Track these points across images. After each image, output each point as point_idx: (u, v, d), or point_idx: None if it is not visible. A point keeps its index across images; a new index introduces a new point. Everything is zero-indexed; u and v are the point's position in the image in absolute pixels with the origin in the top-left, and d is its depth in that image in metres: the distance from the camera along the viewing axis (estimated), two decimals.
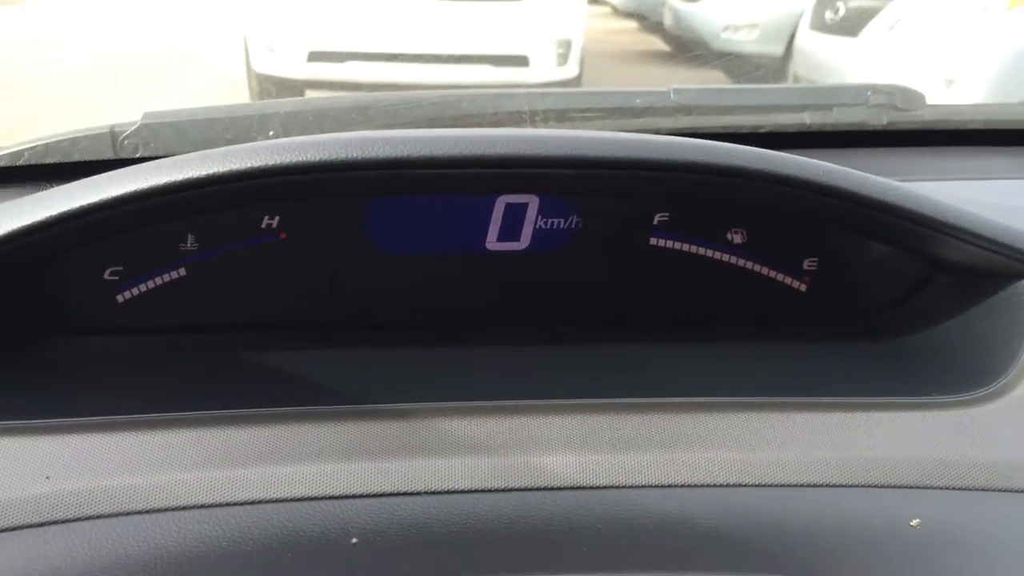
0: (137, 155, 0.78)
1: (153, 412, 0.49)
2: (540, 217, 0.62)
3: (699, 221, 0.63)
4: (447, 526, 0.44)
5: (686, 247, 0.63)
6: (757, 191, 0.53)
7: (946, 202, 0.54)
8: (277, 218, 0.59)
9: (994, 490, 0.47)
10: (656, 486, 0.47)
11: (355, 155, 0.48)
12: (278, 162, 0.47)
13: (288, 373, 0.56)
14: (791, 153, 0.93)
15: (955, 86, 4.41)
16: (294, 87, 5.05)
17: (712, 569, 0.42)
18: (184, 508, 0.43)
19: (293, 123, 0.76)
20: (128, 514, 0.43)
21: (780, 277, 0.64)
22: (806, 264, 0.64)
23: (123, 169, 0.50)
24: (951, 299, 0.58)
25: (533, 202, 0.62)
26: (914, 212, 0.52)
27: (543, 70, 5.22)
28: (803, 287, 0.64)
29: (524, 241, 0.62)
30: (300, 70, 4.77)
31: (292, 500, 0.44)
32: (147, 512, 0.43)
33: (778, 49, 6.01)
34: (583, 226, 0.63)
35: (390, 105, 0.82)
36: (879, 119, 0.89)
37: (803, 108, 0.92)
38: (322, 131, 0.81)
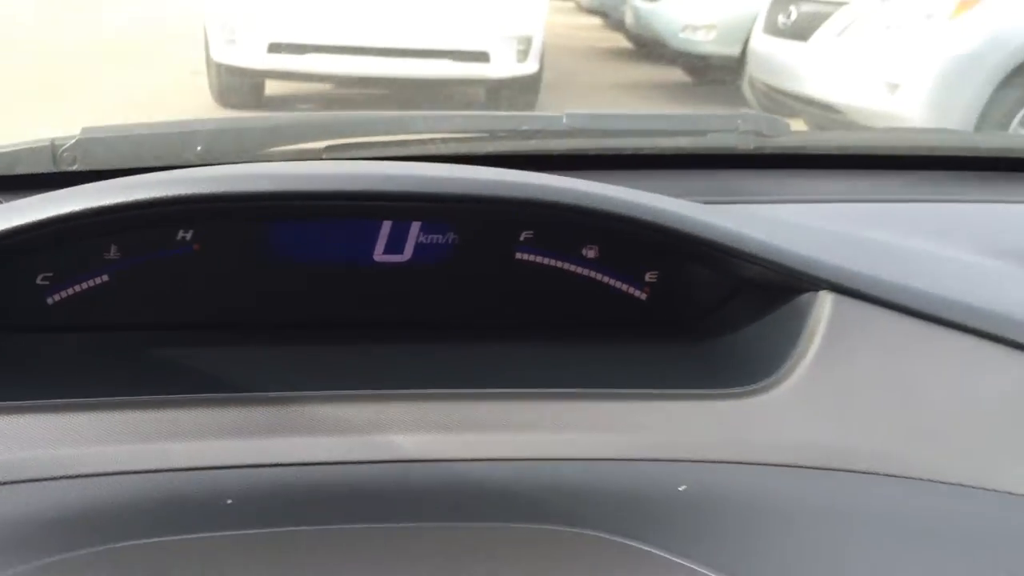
0: (75, 167, 0.87)
1: (73, 398, 0.58)
2: (422, 233, 0.73)
3: (558, 238, 0.74)
4: (306, 489, 0.55)
5: (547, 261, 0.74)
6: (562, 218, 0.64)
7: (728, 227, 0.64)
8: (191, 231, 0.69)
9: (750, 464, 0.59)
10: (480, 460, 0.57)
11: (249, 188, 0.58)
12: (184, 192, 0.57)
13: (192, 366, 0.65)
14: (671, 172, 1.04)
15: (900, 90, 4.57)
16: (254, 77, 5.09)
17: (514, 521, 0.53)
18: (87, 476, 0.53)
19: (214, 142, 0.86)
20: (41, 480, 0.53)
21: (625, 287, 0.74)
22: (648, 276, 0.74)
23: (41, 196, 0.59)
24: (752, 308, 0.69)
25: (416, 221, 0.73)
26: (695, 237, 0.63)
27: (503, 66, 5.28)
28: (644, 296, 0.74)
29: (407, 254, 0.73)
30: (260, 61, 4.79)
31: (180, 470, 0.54)
32: (56, 479, 0.53)
33: (735, 50, 6.12)
34: (459, 241, 0.73)
35: (301, 127, 0.91)
36: (747, 144, 1.00)
37: (681, 133, 1.03)
38: (240, 149, 0.91)
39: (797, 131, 1.01)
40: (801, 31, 4.97)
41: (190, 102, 5.05)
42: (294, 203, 0.60)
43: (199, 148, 0.88)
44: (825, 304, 0.64)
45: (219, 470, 0.55)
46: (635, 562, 0.51)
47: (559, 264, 0.74)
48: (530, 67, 5.41)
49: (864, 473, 0.59)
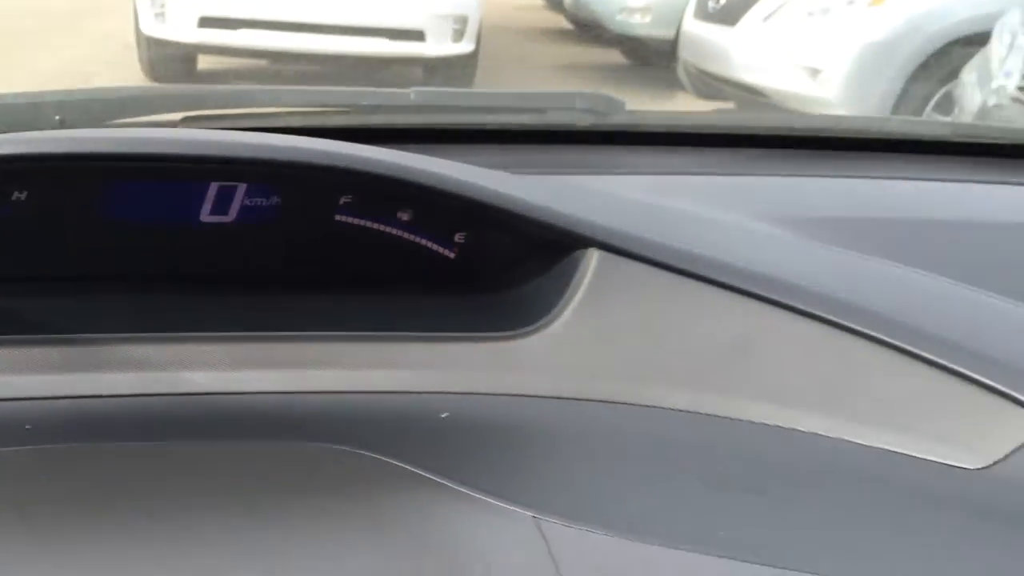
0: None
1: None
2: (247, 197, 0.80)
3: (375, 203, 0.81)
4: (105, 417, 0.62)
5: (364, 223, 0.82)
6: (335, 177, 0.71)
7: (510, 194, 0.73)
8: (26, 192, 0.75)
9: (511, 395, 0.67)
10: (273, 392, 0.65)
11: (63, 150, 0.65)
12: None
13: (14, 312, 0.72)
14: (513, 147, 1.12)
15: (821, 75, 4.72)
16: (186, 52, 5.07)
17: (281, 439, 0.61)
18: None
19: (67, 112, 0.91)
20: None
21: (435, 247, 0.82)
22: (457, 238, 0.83)
23: None
24: (539, 265, 0.77)
25: (241, 186, 0.80)
26: (477, 201, 0.71)
27: (439, 45, 5.32)
28: (453, 255, 0.83)
29: (232, 215, 0.80)
30: (190, 35, 4.77)
31: None
32: None
33: (670, 33, 6.21)
34: (283, 204, 0.80)
35: (155, 99, 0.97)
36: (585, 121, 1.08)
37: (523, 110, 1.11)
38: (93, 119, 0.96)
39: (632, 110, 1.10)
40: (729, 16, 5.08)
41: (121, 76, 5.01)
42: (105, 164, 0.67)
43: (56, 118, 0.94)
44: (592, 260, 0.73)
45: (21, 401, 0.62)
46: (399, 480, 0.59)
47: (376, 226, 0.81)
48: (466, 47, 5.45)
49: (611, 403, 0.68)
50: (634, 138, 1.11)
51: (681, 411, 0.68)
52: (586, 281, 0.72)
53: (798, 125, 1.14)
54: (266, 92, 1.01)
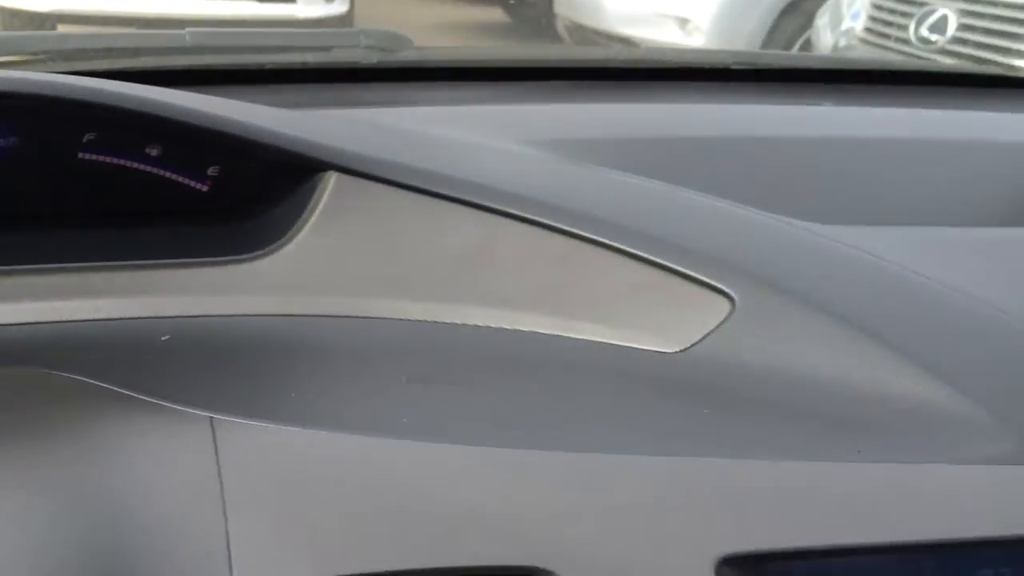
0: None
1: None
2: None
3: (121, 139, 0.81)
4: None
5: (111, 160, 0.81)
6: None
7: (246, 121, 0.73)
8: None
9: (238, 316, 0.69)
10: (72, 321, 0.67)
11: None
12: None
13: None
14: (297, 86, 1.13)
15: (689, 25, 4.82)
16: (43, 21, 4.83)
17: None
18: None
19: None
20: None
21: (187, 181, 0.83)
22: (210, 171, 0.83)
23: None
24: (286, 190, 0.78)
25: None
26: (206, 129, 0.72)
27: (309, 6, 5.22)
28: (206, 188, 0.83)
29: None
30: (44, 3, 4.56)
31: None
32: None
33: None
34: (20, 144, 0.79)
35: None
36: (370, 59, 1.10)
37: (306, 49, 1.11)
38: None
39: (419, 47, 1.12)
40: None
41: None
42: None
43: None
44: (329, 182, 0.74)
45: None
46: (87, 397, 0.59)
47: (124, 162, 0.81)
48: (338, 8, 5.35)
49: (340, 317, 0.70)
50: (421, 74, 1.13)
51: (407, 320, 0.71)
52: (322, 203, 0.74)
53: (581, 56, 1.18)
54: (38, 37, 0.98)
